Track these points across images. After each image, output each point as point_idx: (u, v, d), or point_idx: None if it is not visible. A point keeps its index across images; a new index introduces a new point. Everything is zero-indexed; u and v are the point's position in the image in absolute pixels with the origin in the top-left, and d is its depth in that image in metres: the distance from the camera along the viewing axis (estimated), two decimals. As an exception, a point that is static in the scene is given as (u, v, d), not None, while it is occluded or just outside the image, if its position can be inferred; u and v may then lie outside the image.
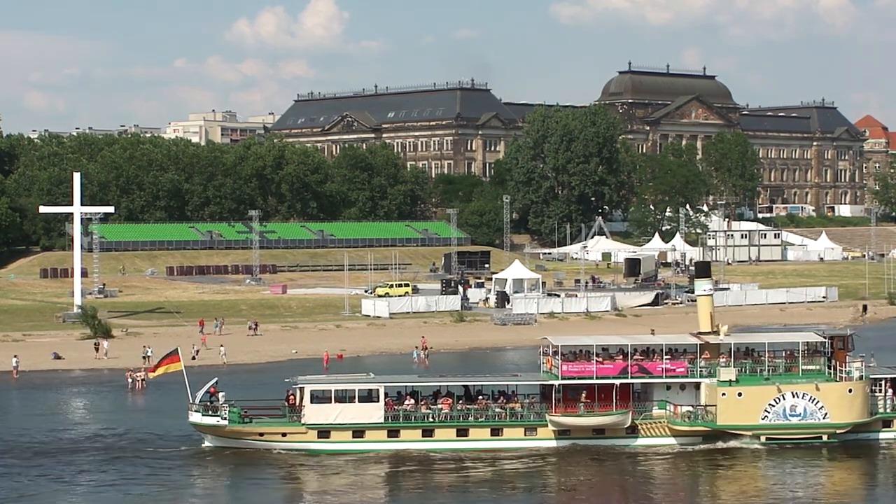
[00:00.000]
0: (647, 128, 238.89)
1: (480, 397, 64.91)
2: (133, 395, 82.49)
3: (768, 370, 65.47)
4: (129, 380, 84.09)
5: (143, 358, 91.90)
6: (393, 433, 63.13)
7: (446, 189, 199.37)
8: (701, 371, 65.06)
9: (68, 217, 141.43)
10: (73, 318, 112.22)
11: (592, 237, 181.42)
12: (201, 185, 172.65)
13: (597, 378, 64.22)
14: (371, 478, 59.28)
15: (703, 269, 69.29)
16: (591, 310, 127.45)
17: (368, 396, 63.23)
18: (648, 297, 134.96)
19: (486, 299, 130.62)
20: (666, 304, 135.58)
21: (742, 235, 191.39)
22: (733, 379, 64.28)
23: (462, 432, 63.37)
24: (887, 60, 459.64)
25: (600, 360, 64.99)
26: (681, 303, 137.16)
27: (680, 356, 65.84)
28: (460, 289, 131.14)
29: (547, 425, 63.56)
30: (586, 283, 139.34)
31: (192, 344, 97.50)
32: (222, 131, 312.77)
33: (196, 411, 63.44)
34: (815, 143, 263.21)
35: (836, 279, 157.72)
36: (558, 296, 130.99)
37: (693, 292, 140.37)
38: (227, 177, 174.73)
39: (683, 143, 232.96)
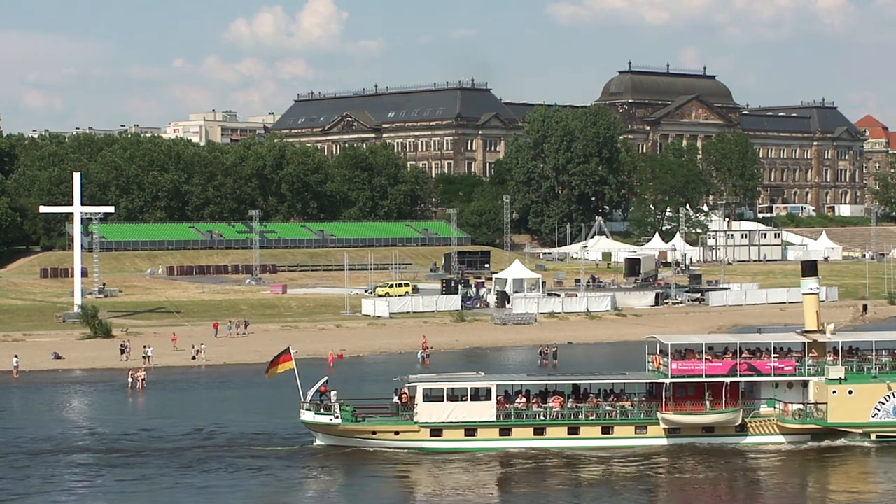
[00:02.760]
0: (648, 128, 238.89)
1: (591, 395, 65.19)
2: (135, 394, 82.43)
3: (875, 368, 65.90)
4: (130, 379, 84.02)
5: (144, 358, 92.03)
6: (505, 431, 63.36)
7: (446, 189, 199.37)
8: (809, 369, 65.43)
9: (68, 217, 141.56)
10: (74, 318, 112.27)
11: (592, 237, 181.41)
12: (201, 185, 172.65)
13: (706, 376, 64.57)
14: (483, 476, 59.39)
15: (810, 268, 69.43)
16: (591, 309, 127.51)
17: (481, 395, 63.52)
18: (650, 297, 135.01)
19: (482, 296, 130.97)
20: (666, 303, 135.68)
21: (742, 235, 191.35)
22: (842, 377, 64.71)
23: (573, 430, 63.64)
24: (886, 60, 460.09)
25: (709, 358, 65.27)
26: (681, 302, 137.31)
27: (787, 354, 66.26)
28: (473, 288, 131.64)
29: (658, 423, 63.84)
30: (587, 283, 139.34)
31: (192, 344, 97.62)
32: (222, 131, 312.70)
33: (308, 410, 63.48)
34: (815, 143, 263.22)
35: (836, 279, 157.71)
36: (558, 296, 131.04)
37: (693, 292, 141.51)
38: (227, 177, 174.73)
39: (684, 143, 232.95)
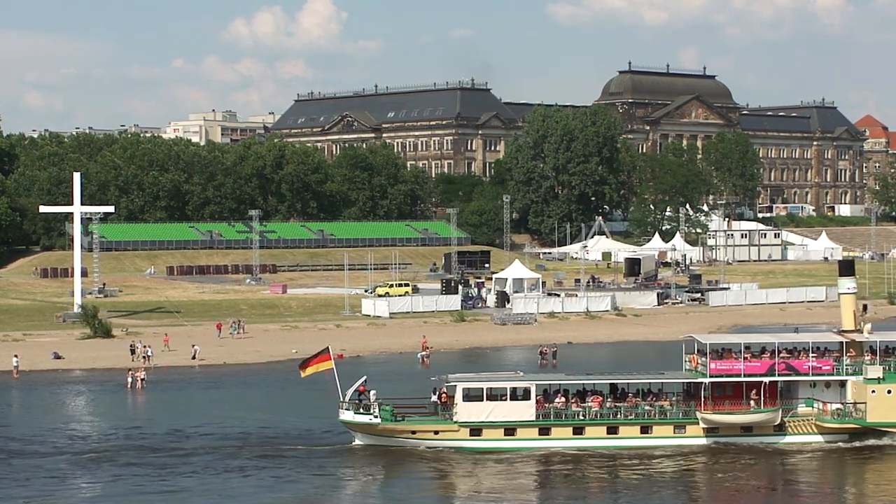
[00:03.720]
0: (647, 128, 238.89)
1: (630, 395, 65.29)
2: (139, 394, 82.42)
3: None
4: (129, 379, 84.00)
5: (144, 358, 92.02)
6: (544, 431, 63.51)
7: (446, 189, 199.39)
8: (847, 369, 65.52)
9: (68, 217, 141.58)
10: (74, 318, 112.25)
11: (592, 237, 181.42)
12: (201, 185, 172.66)
13: (745, 376, 64.72)
14: (522, 476, 59.41)
15: (847, 268, 69.54)
16: (591, 309, 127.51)
17: (521, 394, 63.59)
18: (650, 297, 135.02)
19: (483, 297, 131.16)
20: (666, 303, 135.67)
21: (742, 235, 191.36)
22: (881, 376, 64.78)
23: (612, 430, 63.76)
24: (886, 60, 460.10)
25: (747, 357, 65.42)
26: (681, 302, 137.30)
27: (824, 354, 66.36)
28: (474, 288, 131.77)
29: (697, 423, 63.91)
30: (587, 283, 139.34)
31: (192, 344, 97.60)
32: (222, 131, 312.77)
33: (347, 409, 63.58)
34: (815, 143, 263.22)
35: (837, 279, 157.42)
36: (558, 295, 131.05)
37: (693, 292, 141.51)
38: (227, 176, 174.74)
39: (684, 142, 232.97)
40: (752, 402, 64.25)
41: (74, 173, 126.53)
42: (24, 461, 61.22)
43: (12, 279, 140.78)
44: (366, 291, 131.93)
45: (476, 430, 63.22)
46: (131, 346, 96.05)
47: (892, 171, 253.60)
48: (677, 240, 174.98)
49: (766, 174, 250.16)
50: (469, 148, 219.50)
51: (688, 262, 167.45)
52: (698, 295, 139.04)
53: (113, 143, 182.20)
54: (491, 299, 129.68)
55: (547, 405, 63.82)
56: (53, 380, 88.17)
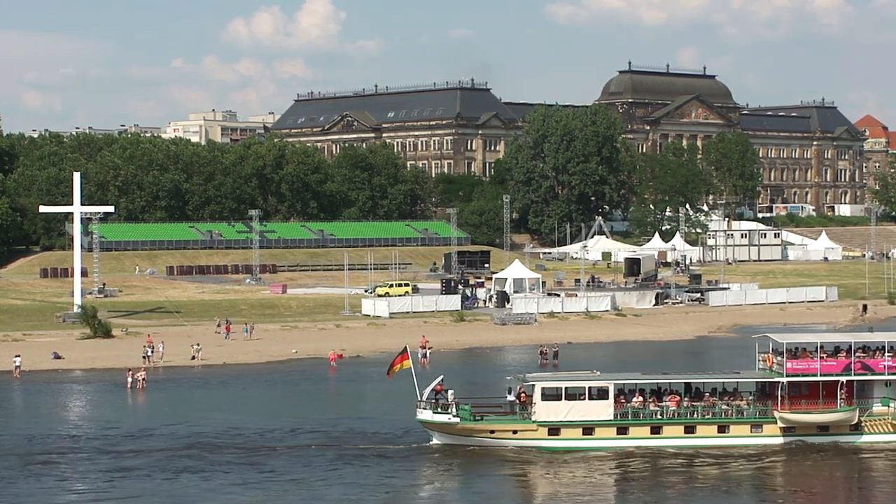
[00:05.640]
0: (647, 127, 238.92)
1: (706, 394, 65.44)
2: (141, 393, 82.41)
3: None
4: (130, 379, 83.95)
5: (143, 357, 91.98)
6: (622, 430, 63.65)
7: (446, 189, 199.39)
8: None
9: (68, 217, 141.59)
10: (73, 318, 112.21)
11: (592, 237, 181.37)
12: (201, 185, 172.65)
13: (821, 375, 64.82)
14: (601, 476, 59.49)
15: None
16: (591, 309, 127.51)
17: (600, 394, 63.72)
18: (650, 297, 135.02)
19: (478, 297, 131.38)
20: (666, 303, 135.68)
21: (742, 235, 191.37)
22: None
23: (689, 429, 63.89)
24: (885, 60, 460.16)
25: (823, 356, 65.49)
26: (681, 302, 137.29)
27: None
28: (469, 289, 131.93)
29: (774, 422, 64.07)
30: (587, 283, 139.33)
31: (192, 345, 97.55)
32: (222, 131, 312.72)
33: (425, 409, 63.76)
34: (815, 143, 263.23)
35: (836, 279, 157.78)
36: (558, 295, 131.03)
37: (693, 292, 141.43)
38: (227, 176, 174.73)
39: (684, 142, 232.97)
40: (842, 401, 64.32)
41: (74, 173, 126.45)
42: (38, 459, 61.34)
43: (12, 279, 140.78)
44: (366, 291, 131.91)
45: (554, 430, 63.42)
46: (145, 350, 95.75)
47: (892, 171, 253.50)
48: (677, 240, 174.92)
49: (766, 174, 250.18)
50: (469, 148, 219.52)
51: (688, 262, 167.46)
52: (698, 295, 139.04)
53: (113, 143, 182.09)
54: (483, 298, 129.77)
55: (625, 404, 64.03)
56: (54, 380, 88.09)
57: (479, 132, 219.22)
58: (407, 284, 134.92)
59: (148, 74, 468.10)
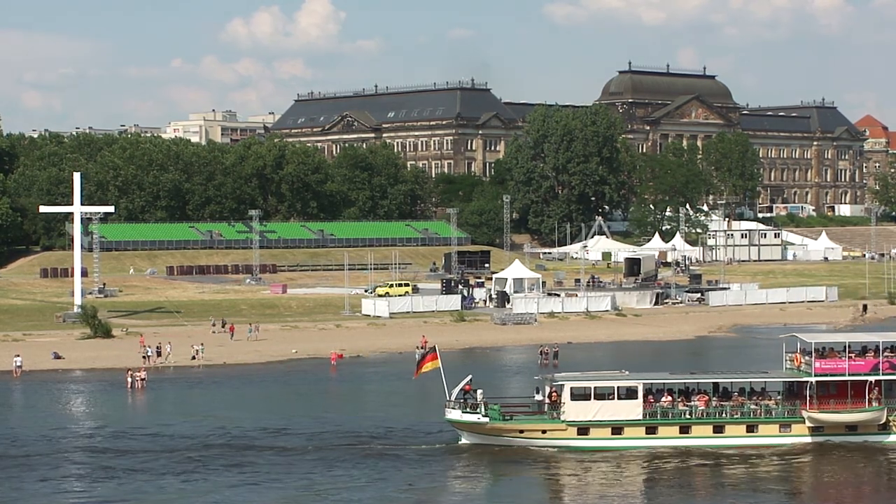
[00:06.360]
0: (647, 127, 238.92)
1: (734, 394, 65.49)
2: (143, 393, 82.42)
3: None
4: (129, 379, 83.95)
5: (143, 357, 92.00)
6: (651, 430, 63.69)
7: (446, 189, 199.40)
8: None
9: (68, 217, 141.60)
10: (73, 318, 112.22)
11: (592, 237, 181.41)
12: (201, 185, 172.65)
13: (849, 374, 64.87)
14: (629, 475, 59.55)
15: None
16: (591, 309, 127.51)
17: (628, 393, 63.83)
18: (650, 297, 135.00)
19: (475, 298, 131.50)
20: (666, 303, 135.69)
21: (742, 235, 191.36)
22: None
23: (718, 429, 63.95)
24: (884, 60, 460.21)
25: (852, 356, 65.52)
26: (681, 302, 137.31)
27: None
28: (467, 289, 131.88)
29: (803, 422, 64.12)
30: (587, 283, 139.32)
31: (192, 345, 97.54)
32: (222, 131, 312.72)
33: (454, 408, 63.82)
34: (815, 143, 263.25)
35: (836, 279, 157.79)
36: (558, 295, 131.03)
37: (693, 292, 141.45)
38: (227, 176, 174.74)
39: (684, 142, 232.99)
40: (873, 401, 64.28)
41: (74, 173, 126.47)
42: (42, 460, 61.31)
43: (12, 279, 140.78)
44: (366, 291, 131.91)
45: (583, 430, 63.44)
46: (157, 347, 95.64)
47: (892, 171, 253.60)
48: (677, 240, 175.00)
49: (766, 174, 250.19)
50: (469, 148, 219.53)
51: (688, 262, 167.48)
52: (698, 295, 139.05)
53: (112, 144, 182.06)
54: (483, 298, 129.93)
55: (654, 404, 64.05)
56: (54, 380, 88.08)
57: (479, 132, 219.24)
58: (407, 284, 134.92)
59: (147, 74, 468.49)
